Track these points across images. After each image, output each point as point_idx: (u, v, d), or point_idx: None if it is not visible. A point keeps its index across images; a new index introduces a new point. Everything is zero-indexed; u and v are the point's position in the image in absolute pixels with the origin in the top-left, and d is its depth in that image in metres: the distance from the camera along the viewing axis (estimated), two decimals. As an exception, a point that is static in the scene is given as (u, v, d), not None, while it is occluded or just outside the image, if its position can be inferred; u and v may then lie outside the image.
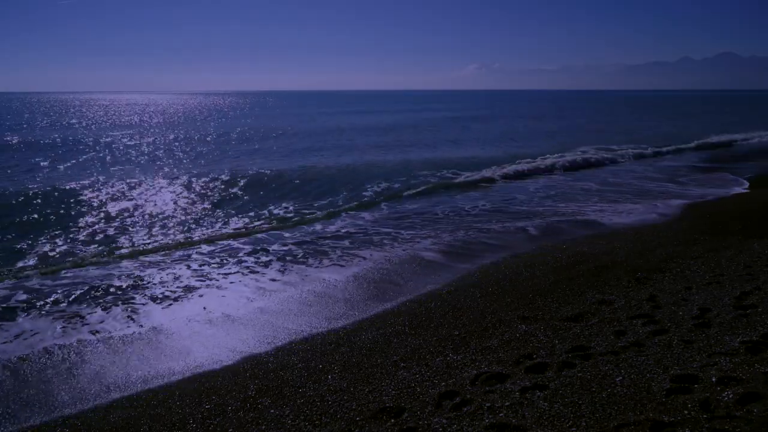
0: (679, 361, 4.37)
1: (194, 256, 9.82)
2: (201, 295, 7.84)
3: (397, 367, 5.18)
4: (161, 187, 16.94)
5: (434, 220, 12.37)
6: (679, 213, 12.27)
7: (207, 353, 5.99)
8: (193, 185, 17.18)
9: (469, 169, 19.61)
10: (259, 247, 10.23)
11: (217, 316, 7.04)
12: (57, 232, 11.59)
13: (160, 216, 13.23)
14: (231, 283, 8.40)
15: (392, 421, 4.12)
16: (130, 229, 12.00)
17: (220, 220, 12.94)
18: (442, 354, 5.36)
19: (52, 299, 7.68)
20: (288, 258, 9.52)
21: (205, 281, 8.42)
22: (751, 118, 54.25)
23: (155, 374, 5.56)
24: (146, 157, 25.37)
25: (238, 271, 8.88)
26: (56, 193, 15.63)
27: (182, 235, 11.48)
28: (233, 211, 13.81)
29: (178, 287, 8.17)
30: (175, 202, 14.86)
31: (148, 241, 10.90)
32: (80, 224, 12.36)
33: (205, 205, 14.56)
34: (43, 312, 7.25)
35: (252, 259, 9.52)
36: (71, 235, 11.40)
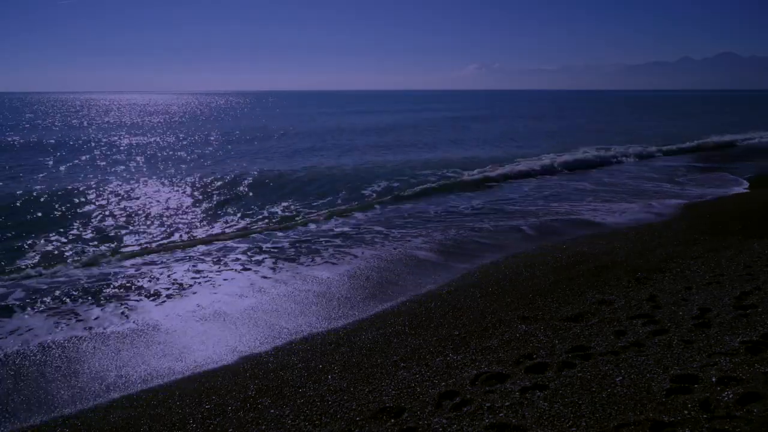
0: (679, 361, 4.37)
1: (192, 255, 9.83)
2: (195, 292, 7.94)
3: (397, 367, 5.18)
4: (161, 188, 16.94)
5: (433, 220, 12.37)
6: (678, 213, 12.27)
7: (203, 350, 5.99)
8: (193, 186, 17.18)
9: (468, 169, 19.58)
10: (257, 247, 10.23)
11: (211, 313, 7.04)
12: (56, 232, 11.59)
13: (160, 216, 13.23)
14: (225, 280, 8.47)
15: (392, 421, 4.12)
16: (129, 228, 12.00)
17: (219, 220, 12.94)
18: (442, 354, 5.36)
19: (49, 297, 7.74)
20: (284, 257, 9.53)
21: (201, 280, 8.44)
22: (751, 118, 54.25)
23: (150, 370, 5.56)
24: (146, 157, 25.37)
25: (234, 270, 8.89)
26: (56, 193, 15.62)
27: (180, 235, 11.50)
28: (233, 212, 13.81)
29: (174, 286, 8.20)
30: (175, 203, 14.87)
31: (147, 241, 10.92)
32: (80, 224, 12.36)
33: (205, 206, 14.56)
34: (39, 309, 7.33)
35: (250, 258, 9.53)
36: (70, 235, 11.40)
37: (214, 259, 9.53)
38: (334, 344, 5.97)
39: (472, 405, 4.09)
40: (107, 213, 13.47)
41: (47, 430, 4.66)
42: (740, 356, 4.29)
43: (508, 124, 47.67)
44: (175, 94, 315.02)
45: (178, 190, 16.46)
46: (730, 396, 3.63)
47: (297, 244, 10.41)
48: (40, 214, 13.20)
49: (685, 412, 3.53)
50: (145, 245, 10.61)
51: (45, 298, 7.70)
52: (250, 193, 16.15)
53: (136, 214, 13.34)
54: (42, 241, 10.82)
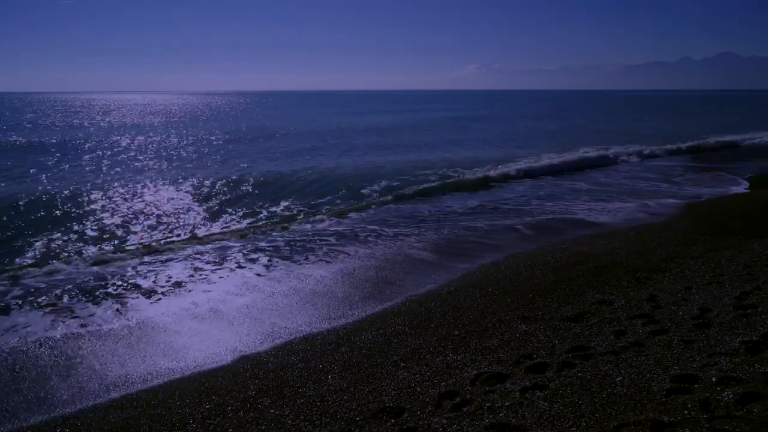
0: (679, 361, 4.37)
1: (190, 254, 9.83)
2: (190, 290, 8.03)
3: (397, 367, 5.18)
4: (160, 188, 16.94)
5: (431, 220, 12.36)
6: (678, 213, 12.27)
7: (202, 349, 5.99)
8: (193, 186, 17.18)
9: (467, 169, 19.56)
10: (255, 246, 10.22)
11: (208, 312, 7.06)
12: (55, 231, 11.60)
13: (159, 216, 13.23)
14: (220, 278, 8.55)
15: (392, 421, 4.12)
16: (129, 228, 12.00)
17: (218, 220, 12.95)
18: (442, 354, 5.36)
19: (47, 295, 7.82)
20: (282, 257, 9.52)
21: (198, 279, 8.47)
22: (751, 118, 54.25)
23: (146, 368, 5.56)
24: (146, 158, 25.38)
25: (230, 269, 8.91)
26: (55, 193, 15.62)
27: (179, 234, 11.53)
28: (232, 212, 13.81)
29: (171, 285, 8.24)
30: (174, 203, 14.87)
31: (146, 240, 10.93)
32: (79, 223, 12.36)
33: (204, 206, 14.56)
34: (36, 307, 7.40)
35: (245, 256, 9.53)
36: (69, 234, 11.41)
37: (212, 259, 9.53)
38: (334, 344, 5.97)
39: (472, 405, 4.09)
40: (107, 213, 13.47)
41: (47, 429, 4.66)
42: (740, 356, 4.29)
43: (507, 125, 47.67)
44: (175, 94, 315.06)
45: (177, 190, 16.46)
46: (730, 396, 3.63)
47: (296, 244, 10.39)
48: (40, 214, 13.20)
49: (685, 412, 3.53)
50: (144, 244, 10.61)
51: (43, 297, 7.76)
52: (250, 193, 16.15)
53: (136, 214, 13.34)
54: (41, 240, 10.84)
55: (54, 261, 9.49)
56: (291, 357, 5.73)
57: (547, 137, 34.17)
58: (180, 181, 18.06)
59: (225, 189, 16.66)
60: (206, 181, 17.74)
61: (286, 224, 12.20)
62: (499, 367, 4.78)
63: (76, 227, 12.08)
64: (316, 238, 10.91)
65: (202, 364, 5.75)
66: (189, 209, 14.09)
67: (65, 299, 7.67)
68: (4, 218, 12.67)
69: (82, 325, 6.76)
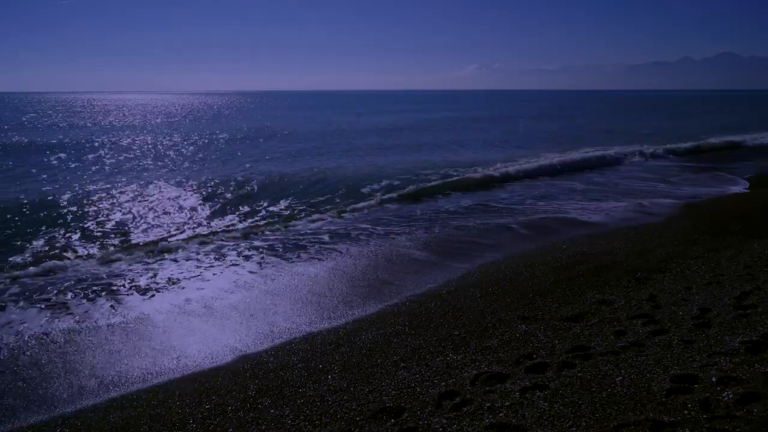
0: (679, 361, 4.37)
1: (188, 253, 9.86)
2: (187, 289, 8.11)
3: (397, 367, 5.18)
4: (161, 188, 16.93)
5: (430, 220, 12.35)
6: (680, 212, 12.28)
7: (201, 348, 5.99)
8: (194, 186, 17.18)
9: (466, 170, 19.51)
10: (252, 246, 10.23)
11: (208, 311, 7.06)
12: (54, 231, 11.60)
13: (158, 216, 13.23)
14: (214, 275, 8.67)
15: (392, 421, 4.12)
16: (128, 227, 12.00)
17: (217, 219, 12.95)
18: (442, 354, 5.36)
19: (44, 293, 7.91)
20: (283, 257, 9.53)
21: (195, 278, 8.51)
22: (751, 118, 54.26)
23: (143, 364, 5.57)
24: (146, 158, 25.38)
25: (225, 267, 8.95)
26: (55, 194, 15.65)
27: (177, 233, 11.54)
28: (231, 212, 13.81)
29: (168, 283, 8.29)
30: (174, 203, 14.86)
31: (146, 240, 10.94)
32: (78, 223, 12.35)
33: (203, 206, 14.56)
34: (33, 305, 7.49)
35: (240, 254, 9.54)
36: (68, 233, 11.40)
37: (211, 258, 9.54)
38: (334, 344, 5.97)
39: (472, 405, 4.10)
40: (107, 212, 13.46)
41: (46, 429, 4.66)
42: (740, 356, 4.29)
43: (507, 125, 47.66)
44: (175, 94, 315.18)
45: (177, 191, 16.45)
46: (730, 396, 3.63)
47: (297, 244, 10.40)
48: (38, 214, 13.18)
49: (685, 412, 3.53)
50: (143, 243, 10.63)
51: (40, 294, 7.84)
52: (250, 193, 16.14)
53: (135, 214, 13.33)
54: (39, 240, 10.84)
55: (52, 260, 9.51)
56: (291, 357, 5.73)
57: (547, 137, 34.16)
58: (180, 181, 18.05)
59: (225, 189, 16.66)
60: (206, 182, 17.74)
61: (285, 224, 12.20)
62: (499, 367, 4.78)
63: (75, 227, 12.07)
64: (314, 237, 10.92)
65: (202, 363, 5.75)
66: (188, 209, 14.09)
67: (63, 297, 7.69)
68: (6, 217, 12.66)
69: (78, 323, 6.78)
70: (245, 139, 33.83)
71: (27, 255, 9.95)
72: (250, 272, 8.78)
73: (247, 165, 21.94)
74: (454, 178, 17.75)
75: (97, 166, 21.91)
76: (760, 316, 5.18)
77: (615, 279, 7.36)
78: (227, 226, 12.23)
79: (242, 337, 6.37)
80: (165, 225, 12.36)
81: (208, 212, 13.78)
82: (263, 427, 4.36)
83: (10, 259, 9.69)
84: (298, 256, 9.57)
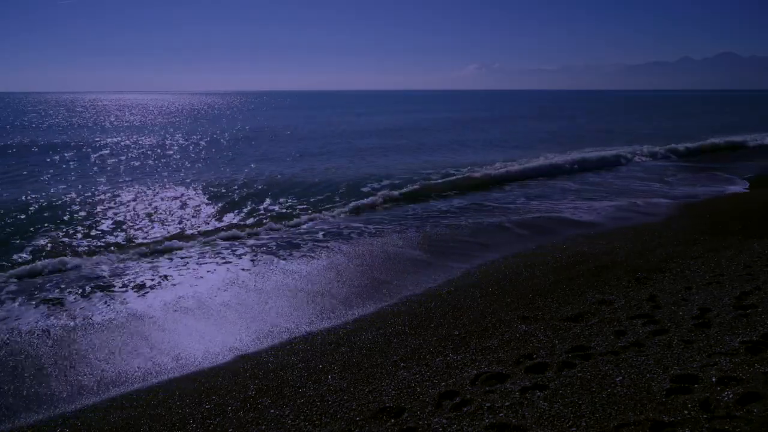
0: (679, 361, 4.37)
1: (186, 252, 9.90)
2: (182, 287, 8.22)
3: (397, 367, 5.18)
4: (160, 188, 16.94)
5: (429, 221, 12.36)
6: (680, 212, 12.28)
7: (199, 347, 5.99)
8: (193, 186, 17.19)
9: (465, 170, 19.48)
10: (255, 245, 10.24)
11: (203, 309, 7.07)
12: (53, 230, 11.62)
13: (159, 215, 13.22)
14: (213, 275, 8.71)
15: (392, 421, 4.12)
16: (128, 227, 11.99)
17: (215, 219, 12.95)
18: (442, 354, 5.36)
19: (43, 291, 8.02)
20: (283, 256, 9.53)
21: (194, 277, 8.55)
22: (751, 118, 54.26)
23: (142, 364, 5.57)
24: (145, 158, 25.38)
25: (218, 264, 9.00)
26: (54, 194, 15.66)
27: (176, 232, 11.58)
28: (231, 212, 13.82)
29: (165, 282, 8.38)
30: (174, 203, 14.86)
31: (143, 239, 10.97)
32: (76, 222, 12.36)
33: (203, 206, 14.55)
34: (32, 302, 7.58)
35: (246, 256, 9.54)
36: (66, 233, 11.41)
37: (210, 257, 9.54)
38: (334, 344, 5.97)
39: (472, 405, 4.10)
40: (108, 212, 13.45)
41: (46, 429, 4.66)
42: (740, 356, 4.29)
43: (507, 125, 47.65)
44: (175, 94, 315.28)
45: (178, 191, 16.45)
46: (730, 396, 3.63)
47: (297, 243, 10.40)
48: (37, 213, 13.19)
49: (685, 412, 3.54)
50: (141, 242, 10.66)
51: (39, 293, 7.92)
52: (250, 193, 16.13)
53: (135, 213, 13.33)
54: (39, 239, 10.86)
55: (52, 258, 9.52)
56: (291, 357, 5.73)
57: (547, 138, 34.16)
58: (180, 181, 18.07)
59: (226, 189, 16.66)
60: (207, 182, 17.75)
61: (285, 224, 12.20)
62: (499, 367, 4.78)
63: (75, 226, 12.07)
64: (314, 238, 10.93)
65: (201, 363, 5.75)
66: (188, 209, 14.08)
67: (63, 296, 7.72)
68: (6, 217, 12.67)
69: (77, 322, 6.78)
70: (246, 140, 33.84)
71: (26, 254, 10.00)
72: (251, 272, 8.78)
73: (251, 165, 21.94)
74: (454, 179, 17.73)
75: (97, 166, 21.92)
76: (760, 316, 5.18)
77: (615, 279, 7.36)
78: (227, 226, 12.23)
79: (242, 336, 6.37)
80: (164, 225, 12.36)
81: (207, 212, 13.78)
82: (263, 427, 4.36)
83: (10, 257, 9.73)
84: (297, 256, 9.58)
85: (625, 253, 8.75)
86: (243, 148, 29.16)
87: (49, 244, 10.63)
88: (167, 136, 37.00)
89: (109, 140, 33.30)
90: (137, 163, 23.00)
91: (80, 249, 10.39)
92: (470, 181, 17.58)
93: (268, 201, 14.99)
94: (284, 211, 13.84)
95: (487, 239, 10.57)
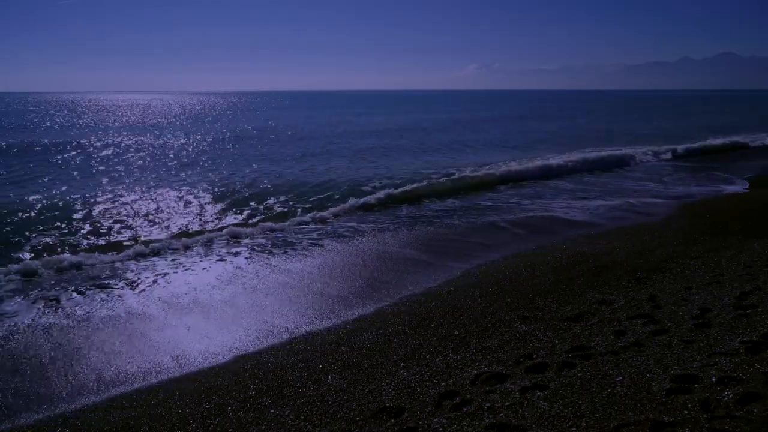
0: (679, 361, 4.37)
1: (186, 252, 9.94)
2: (169, 282, 8.35)
3: (397, 367, 5.18)
4: (160, 188, 16.95)
5: (428, 220, 12.36)
6: (679, 212, 12.28)
7: (198, 346, 5.99)
8: (194, 186, 17.19)
9: (464, 171, 19.44)
10: (254, 245, 10.25)
11: (203, 308, 7.07)
12: (51, 229, 11.63)
13: (157, 215, 13.23)
14: (208, 271, 8.83)
15: (392, 421, 4.12)
16: (127, 227, 12.00)
17: (214, 219, 12.96)
18: (442, 354, 5.36)
19: (40, 289, 8.10)
20: (282, 256, 9.54)
21: (192, 277, 8.57)
22: (751, 118, 54.25)
23: (140, 363, 5.57)
24: (145, 158, 25.40)
25: (213, 261, 9.05)
26: (54, 194, 15.66)
27: (175, 232, 11.61)
28: (231, 212, 13.82)
29: (165, 281, 8.42)
30: (173, 202, 14.86)
31: (142, 238, 10.97)
32: (76, 221, 12.36)
33: (203, 205, 14.56)
34: (29, 299, 7.67)
35: (245, 256, 9.55)
36: (64, 232, 11.41)
37: (209, 257, 9.55)
38: (334, 344, 5.97)
39: (472, 405, 4.10)
40: (108, 211, 13.45)
41: (46, 429, 4.66)
42: (740, 356, 4.30)
43: (507, 125, 47.63)
44: (175, 94, 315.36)
45: (178, 191, 16.46)
46: (730, 396, 3.63)
47: (295, 244, 10.41)
48: (35, 213, 13.19)
49: (685, 412, 3.54)
50: (141, 241, 10.67)
51: (37, 291, 7.99)
52: (249, 194, 16.12)
53: (136, 213, 13.33)
54: (39, 238, 10.88)
55: (52, 257, 9.55)
56: (291, 357, 5.73)
57: (547, 138, 34.15)
58: (181, 181, 18.10)
59: (227, 190, 16.66)
60: (208, 182, 17.77)
61: (284, 224, 12.20)
62: (499, 367, 4.78)
63: (75, 226, 12.08)
64: (313, 238, 10.94)
65: (201, 362, 5.75)
66: (189, 208, 14.08)
67: (62, 295, 7.75)
68: (6, 216, 12.67)
69: (75, 320, 6.80)
70: (246, 140, 33.85)
71: (26, 252, 10.03)
72: (250, 272, 8.78)
73: (252, 165, 21.96)
74: (454, 179, 17.72)
75: (97, 166, 21.92)
76: (760, 316, 5.18)
77: (615, 279, 7.37)
78: (227, 226, 12.22)
79: (242, 336, 6.37)
80: (165, 224, 12.36)
81: (208, 211, 13.78)
82: (263, 427, 4.36)
83: (10, 256, 9.76)
84: (297, 256, 9.59)
85: (625, 253, 8.75)
86: (243, 148, 29.17)
87: (49, 243, 10.65)
88: (168, 136, 37.01)
89: (109, 140, 33.30)
90: (137, 163, 23.00)
91: (80, 248, 10.40)
92: (470, 181, 17.59)
93: (268, 201, 15.00)
94: (284, 210, 13.86)
95: (487, 239, 10.59)
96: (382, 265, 8.98)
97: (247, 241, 10.85)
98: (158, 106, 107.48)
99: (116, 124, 51.20)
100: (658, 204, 13.47)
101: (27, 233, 11.35)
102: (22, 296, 7.79)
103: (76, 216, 13.07)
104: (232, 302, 7.47)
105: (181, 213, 13.64)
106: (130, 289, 8.09)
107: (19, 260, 9.50)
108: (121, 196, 15.59)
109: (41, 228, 11.82)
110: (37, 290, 8.02)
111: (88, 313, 7.16)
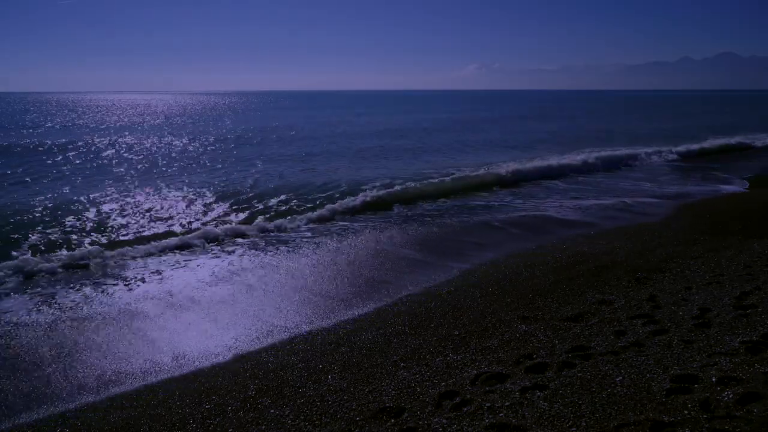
0: (679, 361, 4.37)
1: (186, 251, 9.94)
2: (169, 281, 8.37)
3: (397, 367, 5.19)
4: (160, 188, 16.94)
5: (429, 220, 12.37)
6: (679, 212, 12.27)
7: (195, 344, 6.00)
8: (195, 186, 17.19)
9: (463, 172, 19.41)
10: (253, 244, 10.25)
11: (202, 308, 7.07)
12: (49, 229, 11.62)
13: (156, 215, 13.23)
14: (208, 271, 8.83)
15: (392, 421, 4.12)
16: (127, 227, 12.00)
17: (213, 219, 12.95)
18: (442, 354, 5.36)
19: (40, 287, 8.16)
20: (282, 257, 9.54)
21: (192, 276, 8.56)
22: (751, 118, 54.24)
23: (140, 362, 5.57)
24: (145, 158, 25.40)
25: (210, 259, 9.01)
26: (53, 194, 15.65)
27: (175, 231, 11.61)
28: (230, 212, 13.82)
29: (164, 281, 8.40)
30: (173, 202, 14.85)
31: (141, 237, 11.00)
32: (75, 221, 12.36)
33: (203, 205, 14.55)
34: (29, 298, 7.73)
35: (244, 255, 9.55)
36: (62, 231, 11.41)
37: (209, 257, 9.55)
38: (334, 344, 5.97)
39: (472, 405, 4.10)
40: (108, 211, 13.46)
41: (46, 429, 4.66)
42: (740, 356, 4.30)
43: (507, 125, 47.61)
44: (175, 94, 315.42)
45: (178, 191, 16.45)
46: (730, 396, 3.63)
47: (294, 244, 10.41)
48: (41, 214, 13.20)
49: (685, 412, 3.54)
50: (139, 240, 10.73)
51: (37, 290, 8.03)
52: (249, 194, 16.11)
53: (134, 213, 13.33)
54: (38, 237, 10.88)
55: (51, 256, 9.56)
56: (291, 357, 5.73)
57: (547, 138, 34.14)
58: (181, 181, 18.08)
59: (227, 190, 16.65)
60: (209, 182, 17.76)
61: (286, 223, 12.19)
62: (499, 367, 4.78)
63: (75, 226, 12.07)
64: (313, 238, 10.93)
65: (201, 362, 5.75)
66: (189, 208, 14.08)
67: (61, 294, 7.75)
68: (6, 216, 12.68)
69: (75, 319, 6.79)
70: (247, 140, 33.84)
71: (26, 251, 10.03)
72: (250, 271, 8.77)
73: (254, 165, 21.95)
74: (454, 178, 17.70)
75: (98, 166, 21.92)
76: (760, 316, 5.18)
77: (615, 279, 7.37)
78: (227, 225, 12.20)
79: (242, 336, 6.37)
80: (165, 223, 12.36)
81: (208, 211, 13.77)
82: (263, 427, 4.36)
83: (9, 255, 9.75)
84: (297, 256, 9.58)
85: (625, 253, 8.75)
86: (244, 148, 29.17)
87: (48, 242, 10.66)
88: (168, 136, 37.00)
89: (109, 140, 33.28)
90: (138, 163, 22.99)
91: (80, 247, 10.39)
92: (470, 181, 17.57)
93: (268, 200, 14.99)
94: (285, 209, 13.87)
95: (487, 239, 10.59)
96: (381, 264, 8.98)
97: (247, 240, 10.85)
98: (158, 106, 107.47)
99: (117, 124, 51.19)
100: (662, 204, 13.43)
101: (27, 232, 11.37)
102: (21, 295, 7.81)
103: (76, 215, 13.07)
104: (231, 302, 7.47)
105: (182, 212, 13.64)
106: (130, 288, 8.09)
107: (19, 260, 9.49)
108: (122, 195, 15.59)
109: (41, 227, 11.83)
110: (36, 289, 8.03)
111: (88, 312, 7.16)
